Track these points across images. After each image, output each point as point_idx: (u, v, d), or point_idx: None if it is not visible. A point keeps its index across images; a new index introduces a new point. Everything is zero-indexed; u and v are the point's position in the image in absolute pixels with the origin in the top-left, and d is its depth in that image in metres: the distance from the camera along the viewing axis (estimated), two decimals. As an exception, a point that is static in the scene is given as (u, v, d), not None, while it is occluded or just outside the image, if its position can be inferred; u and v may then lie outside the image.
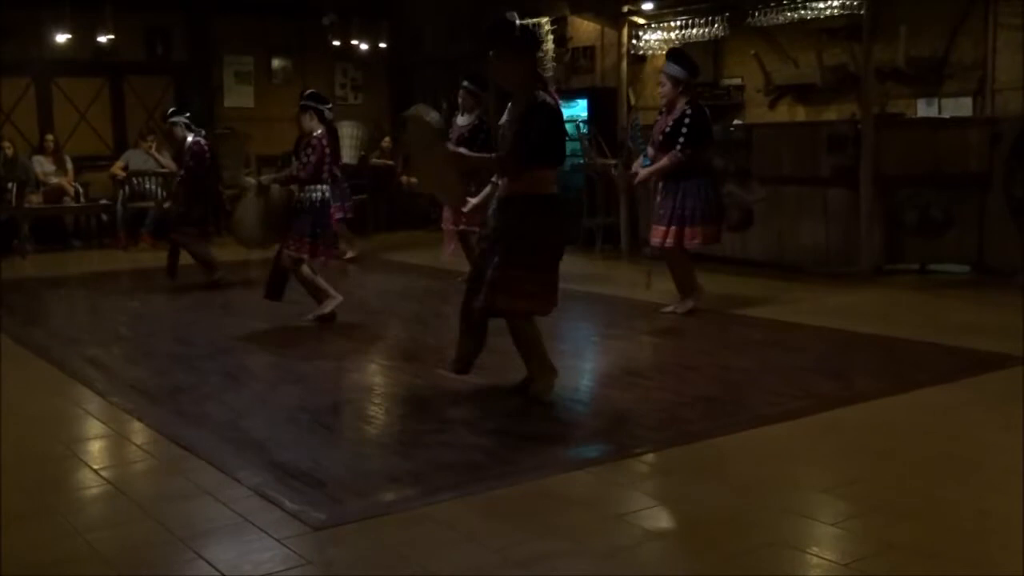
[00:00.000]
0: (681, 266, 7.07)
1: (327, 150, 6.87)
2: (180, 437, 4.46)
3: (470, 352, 5.02)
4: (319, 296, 7.00)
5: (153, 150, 12.67)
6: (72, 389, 5.46)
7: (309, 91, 7.21)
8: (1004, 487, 3.67)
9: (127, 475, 4.12)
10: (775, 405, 4.83)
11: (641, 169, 7.12)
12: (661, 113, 7.05)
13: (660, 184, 6.96)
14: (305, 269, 6.94)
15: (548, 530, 3.37)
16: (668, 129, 6.81)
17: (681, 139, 6.74)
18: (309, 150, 6.80)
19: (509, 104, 4.90)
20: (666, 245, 6.89)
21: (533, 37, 4.92)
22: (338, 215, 7.54)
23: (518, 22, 4.75)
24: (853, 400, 4.91)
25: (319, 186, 6.87)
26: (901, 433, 4.46)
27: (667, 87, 6.85)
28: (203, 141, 8.89)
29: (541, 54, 5.13)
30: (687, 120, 6.73)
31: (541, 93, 4.75)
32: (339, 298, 7.00)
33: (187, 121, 8.93)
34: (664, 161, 6.82)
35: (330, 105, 7.18)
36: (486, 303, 4.78)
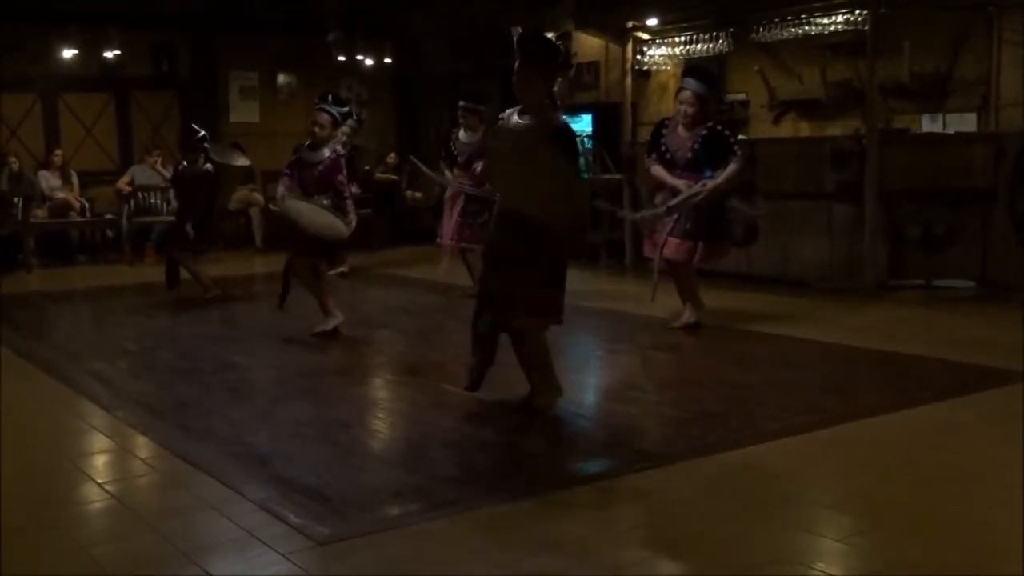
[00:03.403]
0: (691, 277, 7.05)
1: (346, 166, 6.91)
2: (184, 451, 4.46)
3: (479, 368, 4.96)
4: (326, 309, 7.01)
5: (158, 165, 12.70)
6: (76, 403, 5.46)
7: (344, 109, 7.02)
8: (1008, 502, 3.66)
9: (131, 489, 4.13)
10: (779, 420, 4.82)
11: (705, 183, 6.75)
12: (666, 127, 6.94)
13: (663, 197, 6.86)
14: (319, 283, 6.97)
15: (552, 545, 3.36)
16: (696, 146, 6.71)
17: (735, 147, 6.73)
18: (340, 176, 6.75)
19: (515, 117, 4.83)
20: (686, 260, 6.84)
21: (567, 60, 4.91)
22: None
23: (560, 43, 4.77)
24: (857, 416, 4.90)
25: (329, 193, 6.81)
26: (905, 449, 4.45)
27: (695, 107, 6.74)
28: (211, 168, 8.95)
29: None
30: (724, 132, 6.75)
31: (558, 115, 4.78)
32: (341, 319, 7.00)
33: (204, 145, 9.03)
34: (733, 168, 6.69)
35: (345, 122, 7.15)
36: (499, 321, 4.78)
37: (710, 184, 6.71)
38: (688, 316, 7.03)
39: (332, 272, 7.23)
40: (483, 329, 4.85)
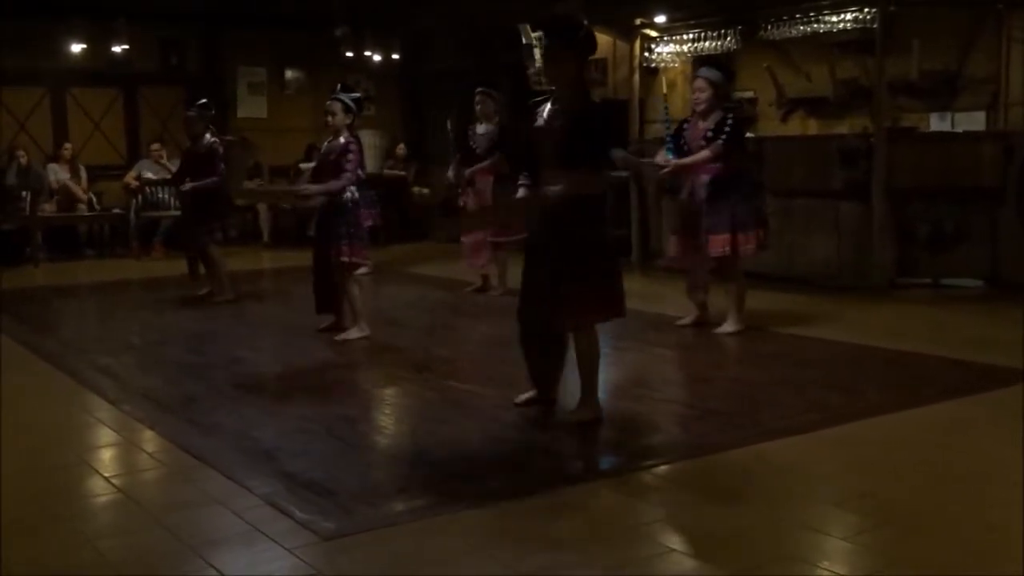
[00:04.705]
0: (738, 279, 6.90)
1: (360, 156, 6.73)
2: (191, 446, 4.47)
3: (545, 373, 4.76)
4: (354, 317, 6.88)
5: (164, 159, 12.70)
6: (84, 397, 5.48)
7: (355, 95, 6.91)
8: (1014, 502, 3.65)
9: (138, 483, 4.14)
10: (786, 419, 4.81)
11: (670, 159, 6.79)
12: (688, 121, 6.86)
13: (705, 192, 6.71)
14: (353, 285, 6.84)
15: (558, 542, 3.36)
16: (710, 134, 6.62)
17: (723, 136, 6.57)
18: (349, 155, 6.60)
19: (547, 106, 4.72)
20: (726, 253, 6.66)
21: (593, 41, 4.75)
22: (368, 222, 7.33)
23: (585, 23, 4.64)
24: (864, 414, 4.89)
25: (350, 187, 6.68)
26: (912, 447, 4.44)
27: (707, 92, 6.67)
28: (221, 142, 8.76)
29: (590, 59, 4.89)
30: (730, 122, 6.62)
31: (592, 96, 4.67)
32: (367, 333, 6.85)
33: (211, 116, 8.80)
34: (705, 152, 6.58)
35: (363, 112, 7.06)
36: (553, 319, 4.61)
37: (673, 162, 6.71)
38: (735, 323, 6.87)
39: (358, 272, 7.07)
40: (536, 330, 4.66)
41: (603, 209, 4.70)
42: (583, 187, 4.54)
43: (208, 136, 8.64)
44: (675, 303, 7.34)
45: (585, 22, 4.67)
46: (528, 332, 4.76)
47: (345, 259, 6.66)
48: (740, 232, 6.63)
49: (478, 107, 8.59)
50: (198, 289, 8.77)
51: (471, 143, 8.70)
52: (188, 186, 8.70)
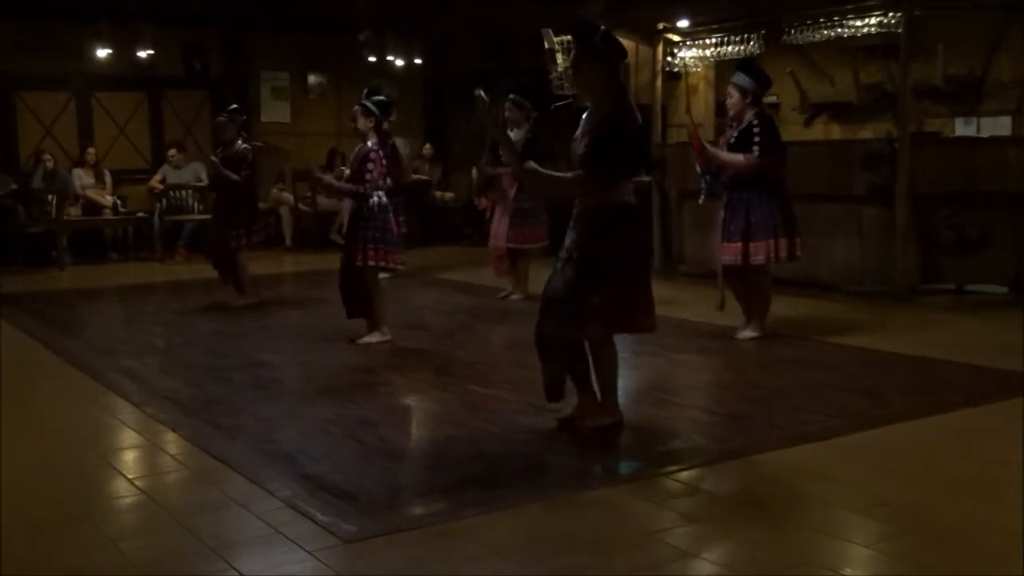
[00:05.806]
0: (764, 285, 6.82)
1: (384, 162, 6.70)
2: (213, 448, 4.50)
3: (558, 378, 4.66)
4: (376, 321, 6.89)
5: (182, 165, 12.76)
6: (107, 399, 5.52)
7: (379, 98, 6.85)
8: (1039, 510, 3.63)
9: (160, 485, 4.16)
10: (807, 424, 4.80)
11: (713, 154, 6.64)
12: (730, 126, 6.74)
13: (726, 198, 6.66)
14: (377, 289, 6.84)
15: (576, 546, 3.36)
16: (733, 140, 6.55)
17: (756, 146, 6.44)
18: (370, 164, 6.61)
19: (584, 117, 4.65)
20: (738, 262, 6.59)
21: (616, 46, 4.66)
22: (404, 229, 7.28)
23: (601, 27, 4.57)
24: (886, 420, 4.86)
25: (375, 192, 6.66)
26: (934, 454, 4.41)
27: (734, 98, 6.57)
28: (251, 148, 8.70)
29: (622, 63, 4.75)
30: (756, 128, 6.47)
31: (619, 101, 4.57)
32: (388, 338, 6.87)
33: (242, 122, 8.76)
34: (740, 158, 6.46)
35: (392, 117, 7.01)
36: (564, 327, 4.51)
37: (711, 151, 6.58)
38: (753, 327, 6.82)
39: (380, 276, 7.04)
40: (548, 338, 4.56)
41: (628, 216, 4.60)
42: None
43: (240, 142, 8.61)
44: (696, 308, 7.32)
45: (602, 26, 4.59)
46: (544, 344, 4.63)
47: (372, 263, 6.67)
48: (752, 241, 6.54)
49: (507, 114, 8.60)
50: (234, 298, 8.64)
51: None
52: (214, 158, 8.74)
